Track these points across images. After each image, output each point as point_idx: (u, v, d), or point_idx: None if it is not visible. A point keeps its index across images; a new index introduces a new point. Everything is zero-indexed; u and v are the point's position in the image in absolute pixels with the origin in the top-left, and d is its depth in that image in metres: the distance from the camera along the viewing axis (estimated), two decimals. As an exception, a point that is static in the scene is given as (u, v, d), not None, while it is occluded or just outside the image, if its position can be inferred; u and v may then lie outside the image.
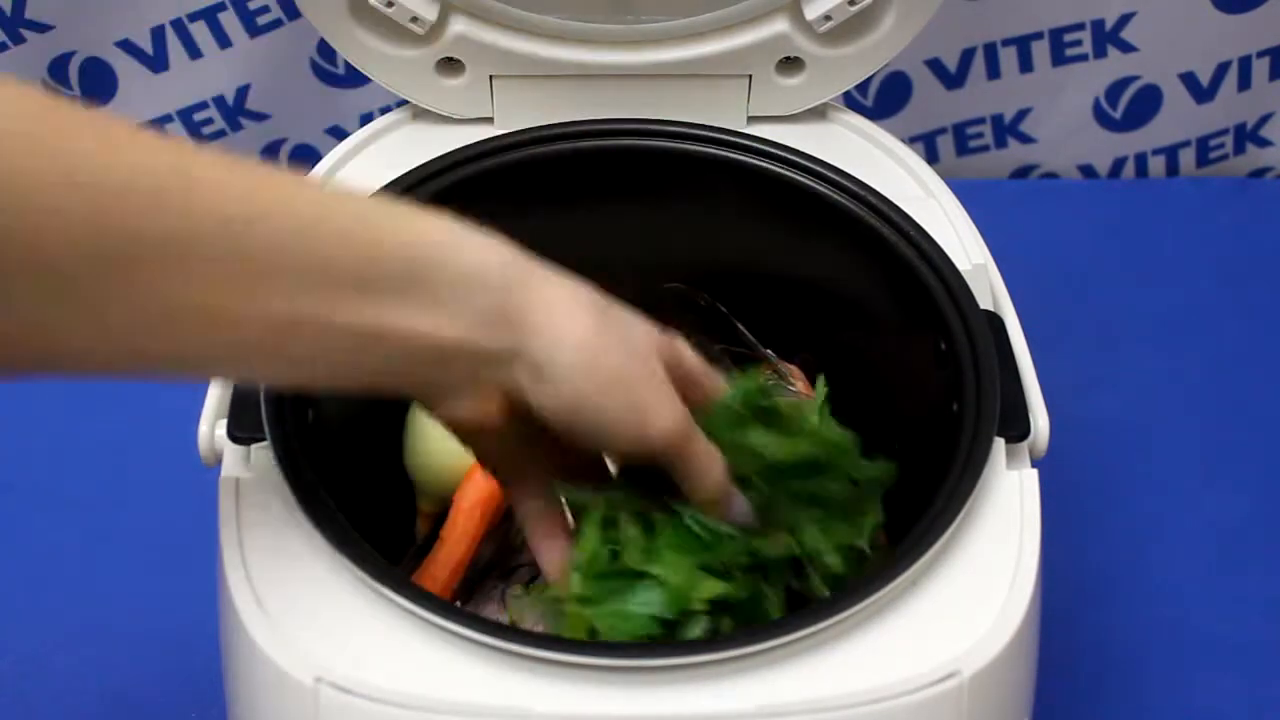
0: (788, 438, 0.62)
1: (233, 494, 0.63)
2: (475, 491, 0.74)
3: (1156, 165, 1.23)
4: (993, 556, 0.62)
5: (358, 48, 0.78)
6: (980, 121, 1.20)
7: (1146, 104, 1.19)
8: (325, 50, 1.13)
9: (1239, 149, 1.22)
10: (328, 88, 1.15)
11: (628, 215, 0.82)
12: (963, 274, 0.72)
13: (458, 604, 0.72)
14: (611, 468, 0.64)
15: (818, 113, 0.83)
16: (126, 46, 1.12)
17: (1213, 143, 1.22)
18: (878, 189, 0.76)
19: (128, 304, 0.45)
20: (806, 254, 0.80)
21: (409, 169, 0.76)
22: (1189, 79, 1.17)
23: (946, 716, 0.58)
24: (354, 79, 1.15)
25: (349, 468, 0.73)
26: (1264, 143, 1.22)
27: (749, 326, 0.83)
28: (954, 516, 0.62)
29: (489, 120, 0.81)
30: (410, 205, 0.53)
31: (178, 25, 1.11)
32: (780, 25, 0.78)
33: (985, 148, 1.22)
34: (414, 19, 0.76)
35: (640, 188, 0.81)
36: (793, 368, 0.81)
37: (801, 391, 0.79)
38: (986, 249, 0.75)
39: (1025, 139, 1.21)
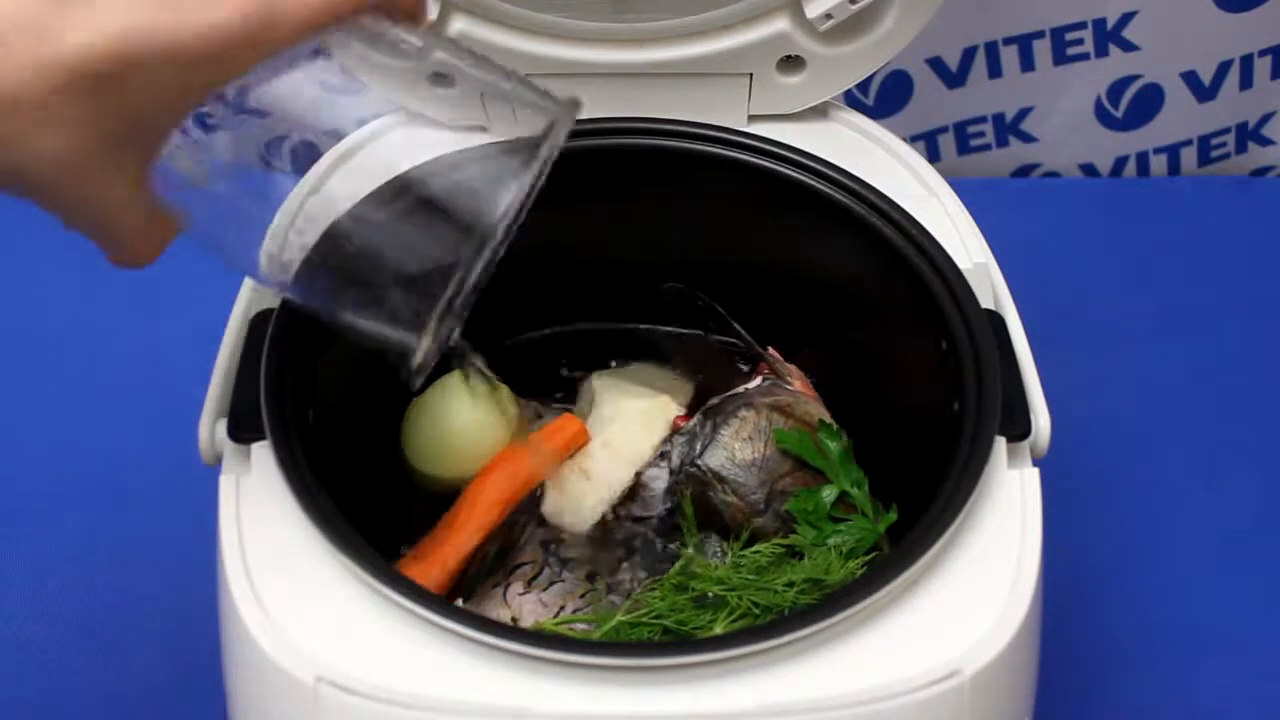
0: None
1: (233, 493, 0.63)
2: (497, 490, 0.75)
3: (1158, 164, 1.23)
4: (994, 555, 0.62)
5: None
6: (981, 120, 1.20)
7: (1148, 103, 1.19)
8: (325, 49, 1.13)
9: (1241, 148, 1.22)
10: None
11: (629, 214, 0.82)
12: (964, 273, 0.72)
13: (459, 602, 0.72)
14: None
15: (819, 111, 0.82)
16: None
17: (1214, 142, 1.21)
18: (879, 188, 0.76)
19: None
20: (808, 253, 0.80)
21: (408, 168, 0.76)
22: (1191, 78, 1.17)
23: (948, 716, 0.58)
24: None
25: (349, 467, 0.73)
26: (1266, 141, 1.22)
27: (750, 324, 0.83)
28: (955, 516, 0.62)
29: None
30: None
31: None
32: (781, 24, 0.78)
33: (986, 147, 1.22)
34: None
35: (641, 186, 0.81)
36: (791, 367, 0.81)
37: (800, 391, 0.79)
38: (988, 248, 0.75)
39: (1026, 138, 1.21)
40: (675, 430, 0.78)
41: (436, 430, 0.77)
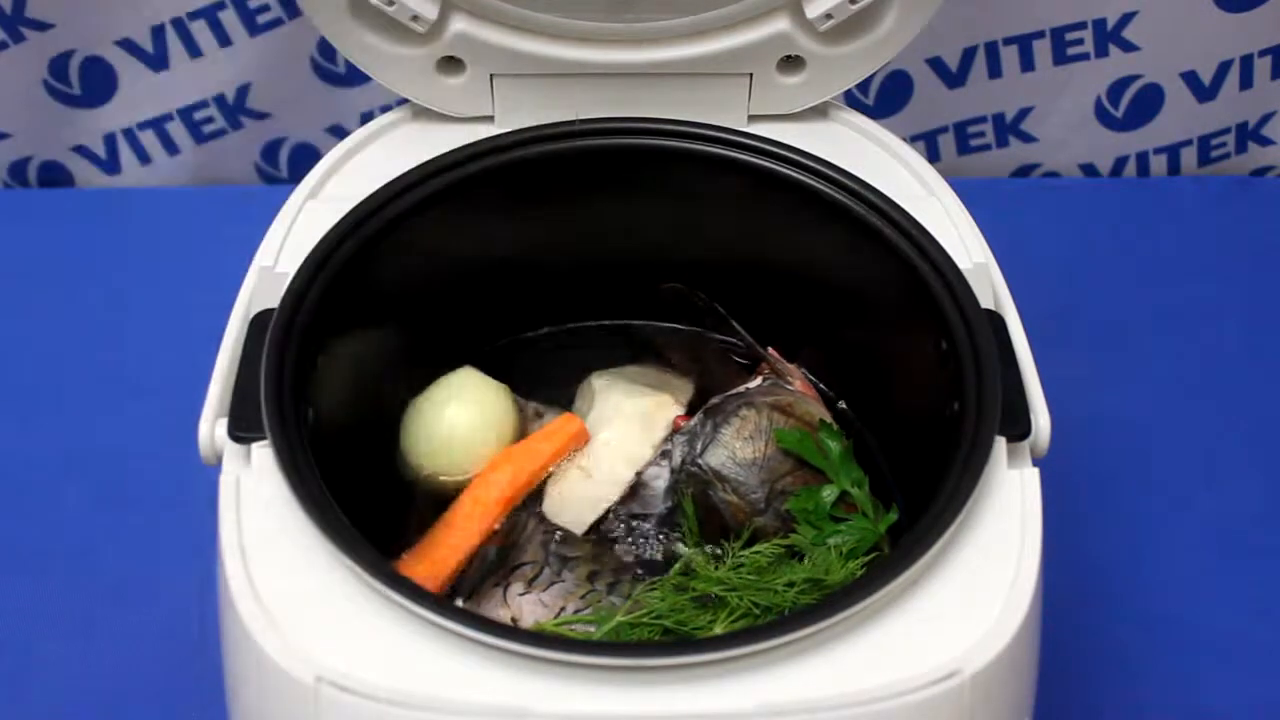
0: None
1: (233, 493, 0.64)
2: (497, 490, 0.75)
3: (1158, 164, 1.23)
4: (994, 555, 0.62)
5: (358, 46, 0.78)
6: (981, 120, 1.20)
7: (1148, 103, 1.19)
8: (326, 49, 1.13)
9: (1240, 148, 1.22)
10: (328, 86, 1.15)
11: (629, 214, 0.82)
12: (964, 273, 0.72)
13: (458, 602, 0.72)
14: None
15: (819, 111, 0.82)
16: (127, 45, 1.12)
17: (1214, 142, 1.21)
18: (879, 188, 0.76)
19: None
20: (808, 253, 0.80)
21: (410, 168, 0.76)
22: (1190, 78, 1.17)
23: (948, 715, 0.58)
24: (355, 77, 1.15)
25: (349, 467, 0.73)
26: (1266, 141, 1.22)
27: (750, 324, 0.83)
28: (955, 516, 0.62)
29: (490, 119, 0.81)
30: None
31: (178, 24, 1.11)
32: (781, 24, 0.78)
33: (987, 147, 1.22)
34: (414, 18, 0.76)
35: (641, 186, 0.81)
36: (790, 366, 0.81)
37: (800, 390, 0.79)
38: (988, 248, 0.75)
39: (1026, 138, 1.21)
40: (676, 429, 0.78)
41: (437, 429, 0.77)
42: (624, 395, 0.80)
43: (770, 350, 0.82)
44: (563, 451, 0.77)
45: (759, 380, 0.79)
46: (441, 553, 0.73)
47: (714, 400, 0.78)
